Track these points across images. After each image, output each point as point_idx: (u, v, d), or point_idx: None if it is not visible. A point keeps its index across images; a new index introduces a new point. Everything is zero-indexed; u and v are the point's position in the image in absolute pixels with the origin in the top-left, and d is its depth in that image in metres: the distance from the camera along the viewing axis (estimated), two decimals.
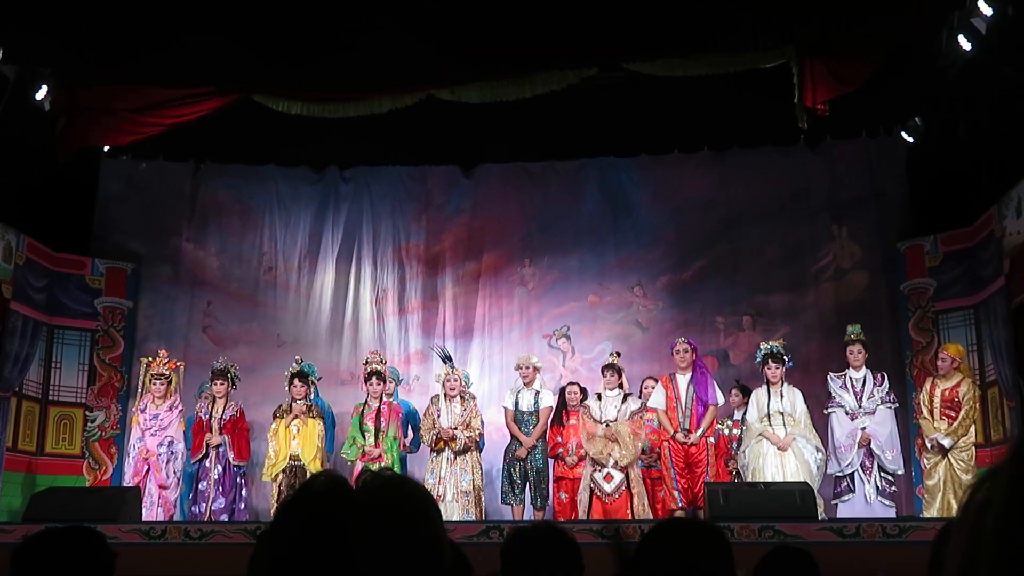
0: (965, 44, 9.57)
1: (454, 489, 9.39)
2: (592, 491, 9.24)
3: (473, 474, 9.50)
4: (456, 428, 9.50)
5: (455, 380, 9.71)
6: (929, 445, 9.11)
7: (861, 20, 9.26)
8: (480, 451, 9.83)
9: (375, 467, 9.00)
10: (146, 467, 9.80)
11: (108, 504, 7.98)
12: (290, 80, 10.20)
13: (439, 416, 9.57)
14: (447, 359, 10.00)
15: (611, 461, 9.19)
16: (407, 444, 9.95)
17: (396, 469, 9.53)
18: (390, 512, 1.30)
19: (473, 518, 9.24)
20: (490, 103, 10.29)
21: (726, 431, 10.16)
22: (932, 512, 8.98)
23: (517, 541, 2.85)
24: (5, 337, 10.40)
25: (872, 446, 9.16)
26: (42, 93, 10.56)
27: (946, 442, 8.97)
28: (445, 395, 9.70)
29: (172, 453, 9.93)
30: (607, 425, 9.31)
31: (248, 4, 9.63)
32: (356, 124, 10.76)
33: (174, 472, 9.93)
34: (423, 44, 9.62)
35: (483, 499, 9.63)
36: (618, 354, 10.04)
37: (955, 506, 8.79)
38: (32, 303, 10.96)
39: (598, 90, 10.97)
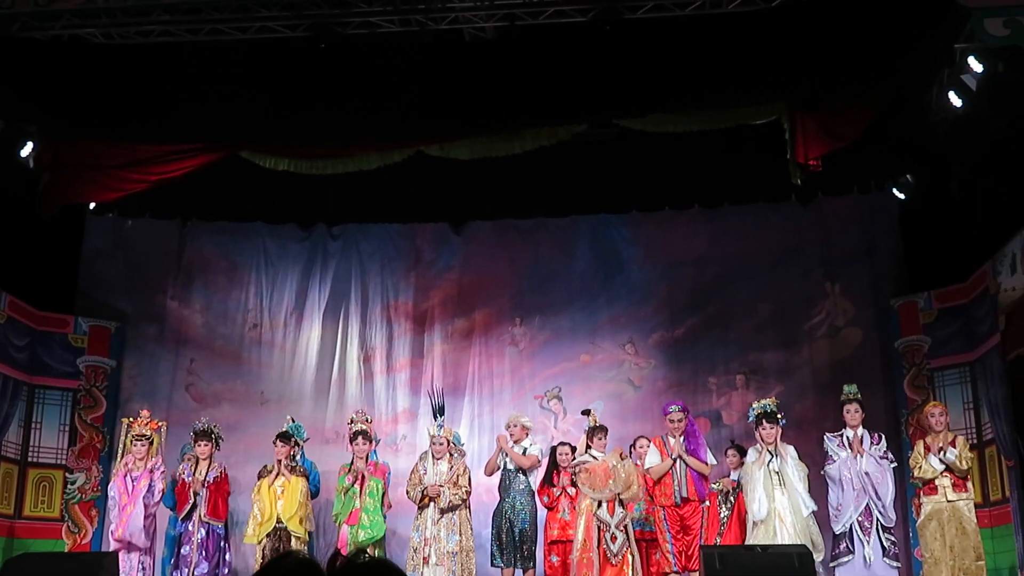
0: (956, 100, 9.56)
1: (439, 550, 9.16)
2: (602, 552, 8.99)
3: (461, 535, 9.26)
4: (443, 485, 9.32)
5: (442, 443, 9.55)
6: (935, 461, 8.84)
7: (852, 77, 9.23)
8: (469, 510, 9.61)
9: (353, 547, 8.82)
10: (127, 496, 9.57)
11: (84, 570, 7.72)
12: (277, 136, 10.11)
13: (425, 473, 9.40)
14: (439, 412, 9.84)
15: (615, 520, 8.95)
16: (390, 503, 9.74)
17: (379, 527, 9.30)
18: None
19: None
20: (480, 159, 10.21)
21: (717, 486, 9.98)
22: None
23: None
24: None
25: (869, 487, 8.89)
26: (27, 150, 10.48)
27: (950, 453, 8.76)
28: (432, 456, 9.53)
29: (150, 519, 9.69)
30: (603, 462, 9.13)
31: (235, 60, 9.58)
32: (344, 181, 10.66)
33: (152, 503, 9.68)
34: (412, 100, 9.55)
35: (472, 560, 9.38)
36: (586, 412, 9.80)
37: (957, 568, 8.57)
38: (13, 362, 10.77)
39: (588, 146, 10.92)
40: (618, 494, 9.00)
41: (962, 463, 8.80)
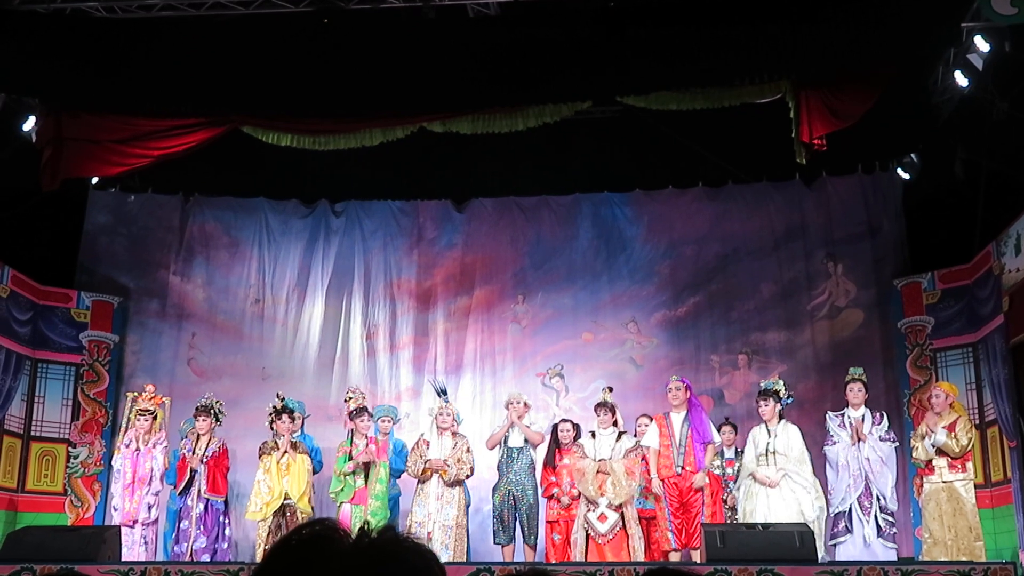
0: (961, 80, 9.50)
1: (438, 523, 9.18)
2: (587, 532, 9.02)
3: (457, 510, 9.27)
4: (447, 460, 9.31)
5: (448, 415, 9.52)
6: (928, 444, 8.85)
7: (857, 56, 9.18)
8: (466, 488, 9.62)
9: (373, 522, 8.81)
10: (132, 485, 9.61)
11: (86, 543, 7.73)
12: (279, 111, 10.08)
13: (428, 448, 9.39)
14: (442, 392, 9.82)
15: (604, 501, 8.98)
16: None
17: (386, 509, 9.32)
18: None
19: (452, 555, 9.03)
20: (482, 136, 10.17)
21: (718, 469, 9.99)
22: (933, 553, 8.75)
23: None
24: None
25: (869, 474, 8.89)
26: (29, 124, 10.45)
27: (940, 434, 8.75)
28: (437, 428, 9.50)
29: (154, 496, 9.72)
30: (600, 461, 9.11)
31: (238, 35, 9.54)
32: (347, 157, 10.64)
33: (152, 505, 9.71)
34: (415, 76, 9.51)
35: (465, 537, 9.38)
36: (610, 389, 9.79)
37: (955, 548, 8.59)
38: (15, 336, 10.78)
39: (592, 124, 10.87)
40: (620, 503, 8.99)
41: (954, 444, 8.78)
